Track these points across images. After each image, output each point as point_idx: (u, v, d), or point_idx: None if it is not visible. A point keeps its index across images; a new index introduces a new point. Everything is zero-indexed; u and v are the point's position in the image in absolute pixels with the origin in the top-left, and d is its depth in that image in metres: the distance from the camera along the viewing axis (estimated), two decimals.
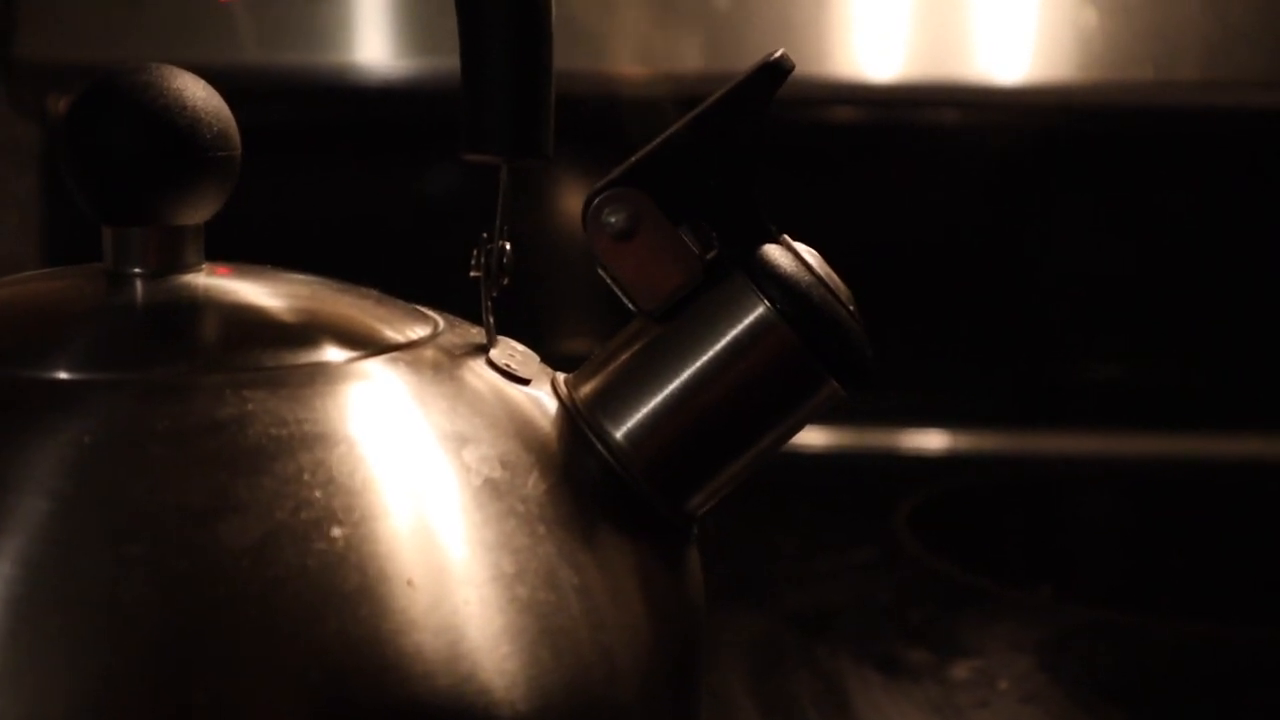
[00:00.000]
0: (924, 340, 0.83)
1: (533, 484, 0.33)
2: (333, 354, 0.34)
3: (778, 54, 0.37)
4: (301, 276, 0.38)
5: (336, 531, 0.30)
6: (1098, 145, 0.80)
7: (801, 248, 0.37)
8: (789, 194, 0.82)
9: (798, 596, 0.59)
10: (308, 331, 0.35)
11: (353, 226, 0.82)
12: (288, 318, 0.35)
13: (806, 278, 0.36)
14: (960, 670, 0.53)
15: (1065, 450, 0.80)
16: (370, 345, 0.34)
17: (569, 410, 0.36)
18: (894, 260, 0.82)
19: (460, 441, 0.33)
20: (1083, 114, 0.77)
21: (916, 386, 0.81)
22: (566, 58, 0.82)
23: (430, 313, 0.38)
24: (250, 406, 0.31)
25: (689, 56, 0.76)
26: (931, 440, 0.80)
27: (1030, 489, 0.77)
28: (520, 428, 0.34)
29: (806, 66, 0.76)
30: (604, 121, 0.81)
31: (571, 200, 0.87)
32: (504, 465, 0.33)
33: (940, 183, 0.80)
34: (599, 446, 0.35)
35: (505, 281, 0.37)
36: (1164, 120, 0.78)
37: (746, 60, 0.82)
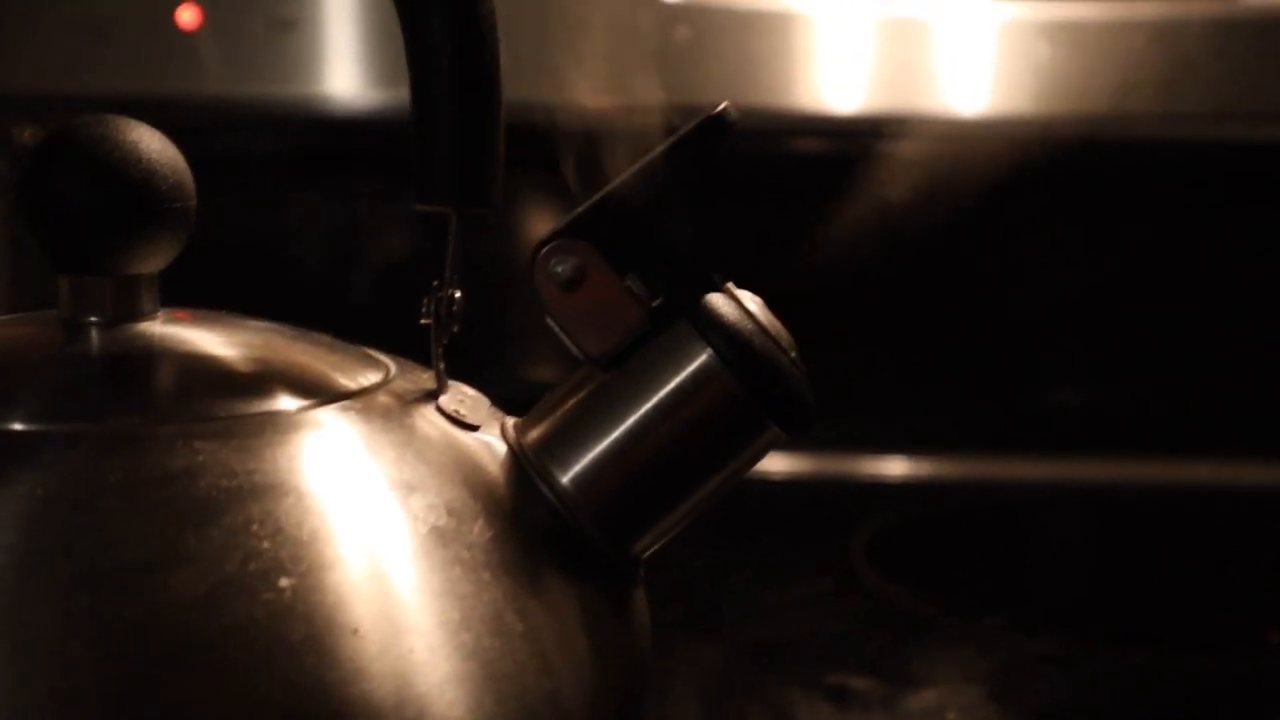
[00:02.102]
0: (884, 366, 0.84)
1: (479, 531, 0.34)
2: (284, 403, 0.34)
3: (721, 107, 0.37)
4: (255, 323, 0.39)
5: (284, 582, 0.30)
6: (1057, 175, 0.81)
7: (745, 295, 0.38)
8: (753, 223, 0.84)
9: (751, 627, 0.59)
10: (260, 380, 0.35)
11: (316, 254, 0.83)
12: (241, 366, 0.36)
13: (749, 326, 0.37)
14: (911, 701, 0.54)
15: (1025, 476, 0.81)
16: (321, 393, 0.35)
17: (516, 455, 0.37)
18: (855, 287, 0.83)
19: (408, 490, 0.34)
20: (1041, 144, 0.78)
21: (877, 412, 0.82)
22: (528, 89, 0.83)
23: (382, 357, 0.39)
24: (201, 458, 0.32)
25: (650, 89, 0.77)
26: (891, 466, 0.81)
27: (989, 516, 0.78)
28: (468, 474, 0.35)
29: (769, 98, 0.77)
30: (566, 150, 0.82)
31: (531, 225, 0.88)
32: (451, 513, 0.34)
33: (901, 212, 0.81)
34: (546, 491, 0.36)
35: (455, 329, 0.38)
36: (1120, 151, 0.79)
37: (708, 92, 0.83)
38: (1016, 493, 0.80)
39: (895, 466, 0.82)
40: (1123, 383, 0.85)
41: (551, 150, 0.82)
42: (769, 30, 0.76)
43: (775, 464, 0.77)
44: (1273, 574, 0.72)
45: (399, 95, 0.85)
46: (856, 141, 0.80)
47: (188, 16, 0.78)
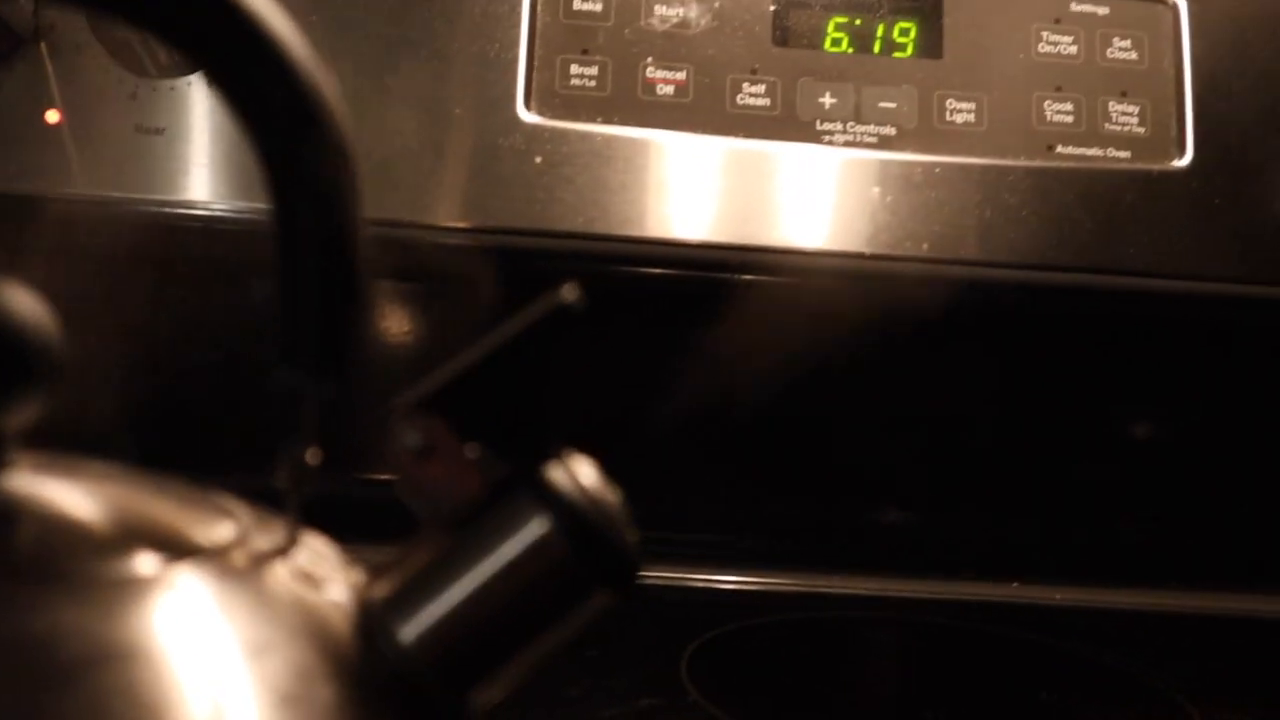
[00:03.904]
0: (720, 481, 0.88)
1: (326, 691, 0.36)
2: (142, 562, 0.36)
3: (571, 297, 0.40)
4: (111, 470, 0.41)
5: None
6: (887, 307, 0.86)
7: (582, 465, 0.41)
8: (598, 345, 0.87)
9: None
10: (118, 538, 0.37)
11: (174, 355, 0.84)
12: (99, 523, 0.38)
13: (581, 496, 0.40)
14: None
15: (853, 591, 0.85)
16: (177, 551, 0.37)
17: (363, 612, 0.39)
18: (695, 404, 0.87)
19: (259, 652, 0.36)
20: (873, 280, 0.83)
21: (712, 526, 0.85)
22: (391, 208, 0.86)
23: (236, 507, 0.41)
24: (63, 621, 0.34)
25: (507, 212, 0.80)
26: (723, 579, 0.85)
27: (818, 630, 0.82)
28: (317, 634, 0.38)
29: (619, 227, 0.81)
30: (427, 265, 0.85)
31: (398, 321, 0.91)
32: (299, 675, 0.36)
33: (736, 336, 0.86)
34: (390, 647, 0.39)
35: (309, 490, 0.40)
36: (944, 288, 0.84)
37: (561, 218, 0.87)
38: (844, 607, 0.84)
39: (726, 580, 0.85)
40: (946, 505, 0.90)
41: (411, 264, 0.85)
42: (622, 156, 0.80)
43: None
44: (1082, 696, 0.77)
45: (254, 205, 0.87)
46: (702, 270, 0.84)
47: (55, 117, 0.80)
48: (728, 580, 0.85)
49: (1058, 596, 0.86)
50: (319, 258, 0.39)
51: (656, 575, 0.81)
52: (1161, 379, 0.90)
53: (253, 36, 0.37)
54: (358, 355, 0.40)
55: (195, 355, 0.84)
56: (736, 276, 0.83)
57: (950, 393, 0.89)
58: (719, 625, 0.78)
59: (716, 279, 0.83)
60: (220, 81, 0.38)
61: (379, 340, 0.86)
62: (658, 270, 0.83)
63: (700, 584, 0.84)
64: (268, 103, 0.38)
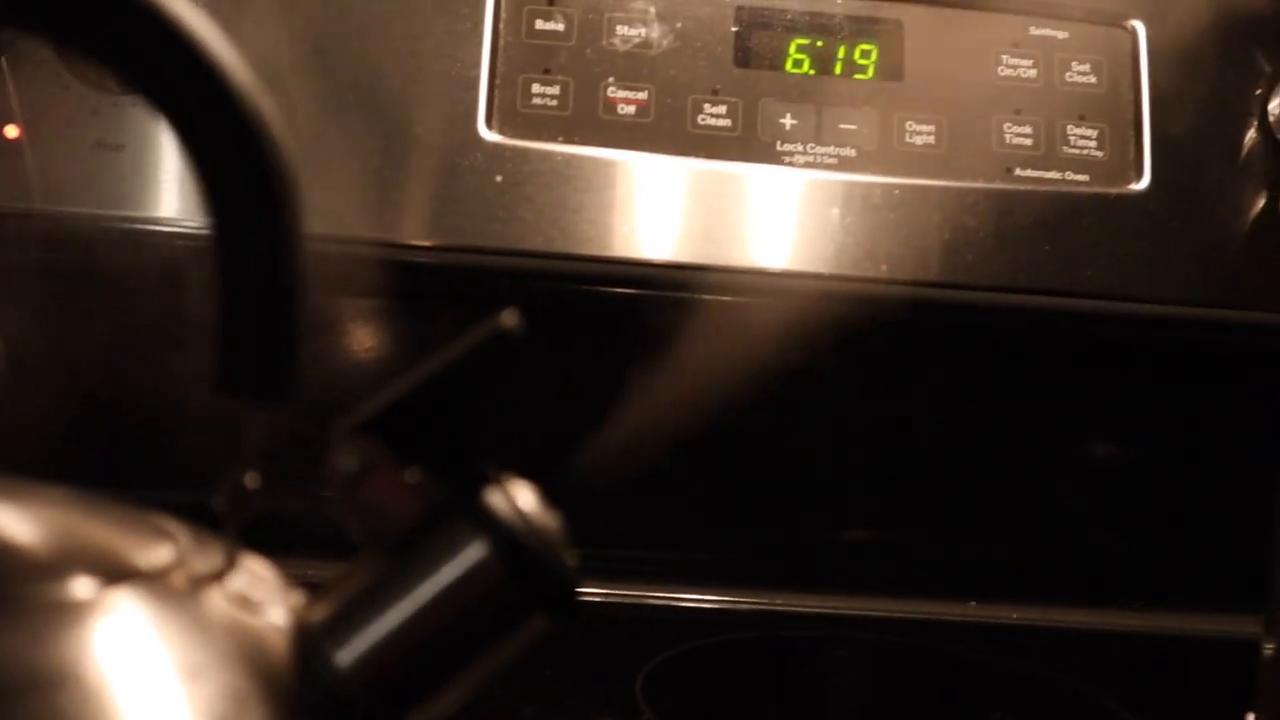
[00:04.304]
0: (679, 499, 0.88)
1: (261, 716, 0.36)
2: (76, 585, 0.36)
3: (510, 323, 0.40)
4: (48, 491, 0.41)
5: None
6: (847, 327, 0.86)
7: (520, 489, 0.41)
8: (562, 365, 0.87)
9: None
10: (53, 560, 0.37)
11: (128, 371, 0.84)
12: (33, 544, 0.38)
13: (519, 521, 0.40)
14: None
15: (811, 610, 0.85)
16: (113, 574, 0.37)
17: (300, 635, 0.39)
18: (655, 421, 0.87)
19: (193, 675, 0.36)
20: (832, 300, 0.83)
21: (669, 544, 0.85)
22: (352, 225, 0.86)
23: (174, 528, 0.41)
24: None
25: (467, 230, 0.80)
26: (679, 597, 0.85)
27: (774, 650, 0.82)
28: (252, 656, 0.38)
29: (579, 246, 0.81)
30: (386, 283, 0.85)
31: (360, 334, 0.91)
32: (234, 699, 0.36)
33: (695, 354, 0.86)
34: (326, 671, 0.39)
35: (248, 513, 0.40)
36: (903, 309, 0.84)
37: (522, 237, 0.87)
38: (798, 627, 0.84)
39: (683, 599, 0.85)
40: (905, 524, 0.90)
41: (370, 282, 0.85)
42: (582, 175, 0.80)
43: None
44: (1037, 715, 0.77)
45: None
46: (666, 288, 0.84)
47: (15, 132, 0.80)
48: (684, 599, 0.85)
49: (1014, 616, 0.86)
50: (258, 279, 0.39)
51: (612, 593, 0.81)
52: (1119, 400, 0.90)
53: (188, 58, 0.37)
54: (298, 377, 0.40)
55: (151, 372, 0.83)
56: (696, 296, 0.83)
57: (909, 412, 0.89)
58: (675, 644, 0.78)
59: (676, 298, 0.83)
60: (158, 104, 0.38)
61: (336, 358, 0.86)
62: (618, 289, 0.83)
63: (657, 602, 0.84)
64: (205, 124, 0.38)
